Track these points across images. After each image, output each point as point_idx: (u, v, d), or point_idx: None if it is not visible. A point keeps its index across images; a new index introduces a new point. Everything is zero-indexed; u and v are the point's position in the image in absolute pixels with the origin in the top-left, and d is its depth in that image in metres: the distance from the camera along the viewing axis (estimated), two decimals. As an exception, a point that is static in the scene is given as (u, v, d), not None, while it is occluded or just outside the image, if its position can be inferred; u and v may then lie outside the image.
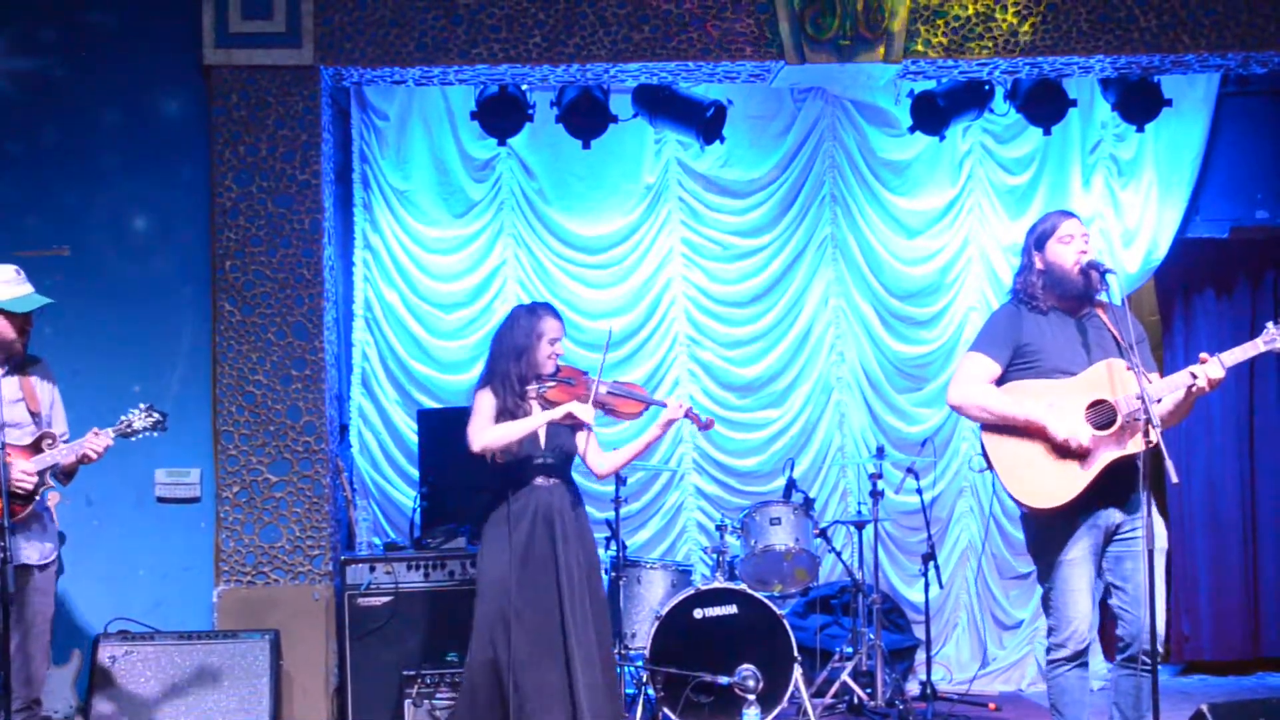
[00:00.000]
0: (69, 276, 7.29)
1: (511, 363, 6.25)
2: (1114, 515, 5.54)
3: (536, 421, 6.15)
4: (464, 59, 7.58)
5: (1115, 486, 5.48)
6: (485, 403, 6.22)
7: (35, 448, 5.80)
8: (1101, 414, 5.43)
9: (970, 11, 7.67)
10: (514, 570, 6.12)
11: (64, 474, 5.96)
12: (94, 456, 5.85)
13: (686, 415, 6.08)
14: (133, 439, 5.98)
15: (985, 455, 5.63)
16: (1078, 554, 5.50)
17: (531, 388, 6.16)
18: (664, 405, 6.16)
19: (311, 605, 7.36)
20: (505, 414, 6.17)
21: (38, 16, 7.52)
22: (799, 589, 7.93)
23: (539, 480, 6.24)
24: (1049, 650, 5.65)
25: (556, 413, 6.09)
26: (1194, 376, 5.39)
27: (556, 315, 6.36)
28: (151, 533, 7.48)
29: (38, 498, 5.84)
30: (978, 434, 5.72)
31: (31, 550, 5.85)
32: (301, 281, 7.49)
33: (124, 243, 7.56)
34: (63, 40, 7.55)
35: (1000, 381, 5.63)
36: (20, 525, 5.71)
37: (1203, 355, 5.43)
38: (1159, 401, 5.33)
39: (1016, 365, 5.61)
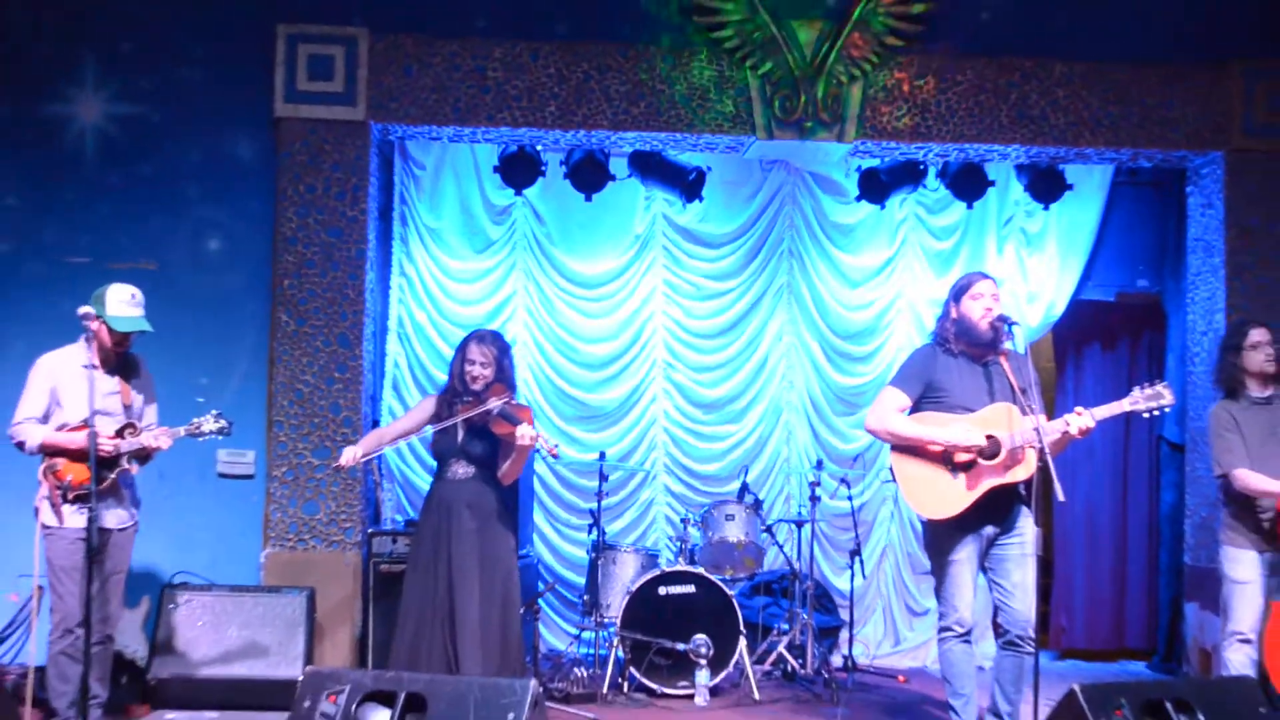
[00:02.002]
0: (154, 287, 7.23)
1: (449, 378, 6.33)
2: (994, 529, 5.66)
3: (389, 432, 6.32)
4: (490, 122, 7.64)
5: (996, 509, 5.59)
6: (422, 403, 6.39)
7: (119, 435, 5.91)
8: (990, 446, 5.54)
9: (910, 104, 7.79)
10: (417, 552, 6.22)
11: (141, 458, 6.04)
12: (155, 448, 5.94)
13: (534, 445, 5.87)
14: (200, 439, 6.01)
15: (892, 472, 5.76)
16: (963, 555, 5.60)
17: (468, 401, 6.13)
18: (521, 437, 5.88)
19: (342, 569, 7.41)
20: (434, 418, 6.19)
21: (139, 70, 7.59)
22: (747, 574, 7.93)
23: (450, 474, 6.18)
24: (940, 630, 5.77)
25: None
26: (1068, 424, 5.49)
27: (478, 341, 6.22)
28: (212, 503, 7.53)
29: (115, 474, 5.91)
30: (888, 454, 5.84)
31: (111, 516, 5.96)
32: (346, 300, 7.53)
33: (201, 261, 7.61)
34: (158, 91, 7.61)
35: (912, 412, 5.73)
36: (102, 494, 5.77)
37: (1078, 409, 5.50)
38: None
39: (928, 398, 5.69)
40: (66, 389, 5.92)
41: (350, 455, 6.10)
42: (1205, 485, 7.83)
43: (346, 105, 7.56)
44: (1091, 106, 7.82)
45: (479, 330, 6.41)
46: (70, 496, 5.81)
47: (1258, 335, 6.24)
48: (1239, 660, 6.09)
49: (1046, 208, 8.49)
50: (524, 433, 5.88)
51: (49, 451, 5.88)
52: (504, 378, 6.19)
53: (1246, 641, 6.08)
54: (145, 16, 7.61)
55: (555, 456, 5.95)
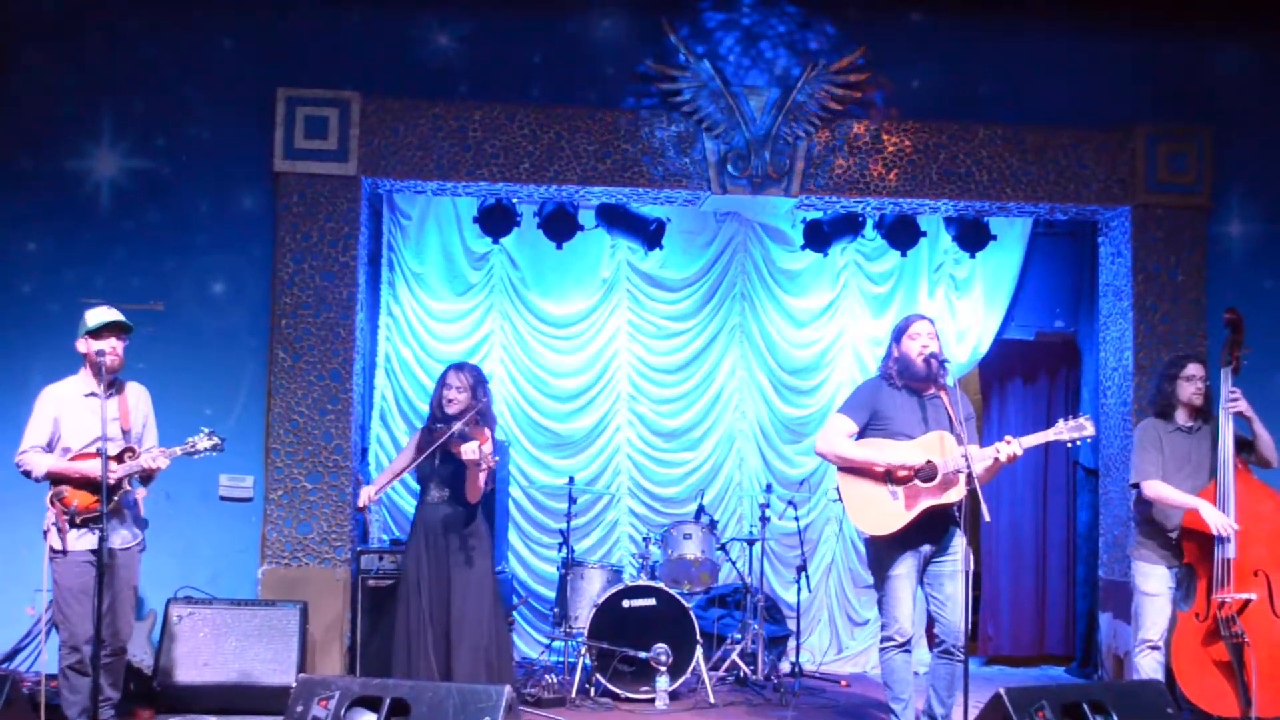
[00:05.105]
0: (162, 326, 7.29)
1: (430, 408, 6.35)
2: (931, 547, 5.65)
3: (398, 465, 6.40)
4: (470, 177, 7.63)
5: (932, 529, 5.59)
6: (413, 437, 6.46)
7: (119, 459, 5.66)
8: (927, 469, 5.54)
9: (850, 163, 7.83)
10: (404, 575, 6.26)
11: (145, 478, 5.84)
12: (155, 468, 5.69)
13: (478, 460, 5.86)
14: (195, 457, 5.77)
15: (838, 492, 5.75)
16: (903, 570, 5.59)
17: (441, 428, 6.14)
18: (463, 452, 5.90)
19: (333, 584, 7.34)
20: (419, 449, 6.22)
21: (151, 128, 7.55)
22: (703, 588, 7.92)
23: (429, 498, 6.24)
24: (881, 640, 5.74)
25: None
26: (998, 451, 5.49)
27: (456, 369, 6.26)
28: (213, 523, 7.44)
29: (119, 496, 5.70)
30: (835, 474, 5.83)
31: (115, 537, 5.70)
32: (338, 338, 7.48)
33: (205, 302, 7.53)
34: (169, 147, 7.55)
35: (858, 439, 5.73)
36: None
37: (1007, 438, 5.51)
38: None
39: (872, 425, 5.70)
40: (67, 417, 5.75)
41: (365, 496, 6.25)
42: (1117, 506, 7.86)
43: (340, 161, 7.51)
44: (1012, 165, 7.87)
45: (457, 361, 6.47)
46: (78, 521, 5.63)
47: (1193, 369, 6.24)
48: (1149, 665, 6.09)
49: (973, 256, 8.51)
50: (466, 448, 5.86)
51: (55, 479, 5.70)
52: (477, 403, 6.16)
53: (1156, 648, 6.09)
54: (157, 80, 7.57)
55: (491, 469, 5.97)
